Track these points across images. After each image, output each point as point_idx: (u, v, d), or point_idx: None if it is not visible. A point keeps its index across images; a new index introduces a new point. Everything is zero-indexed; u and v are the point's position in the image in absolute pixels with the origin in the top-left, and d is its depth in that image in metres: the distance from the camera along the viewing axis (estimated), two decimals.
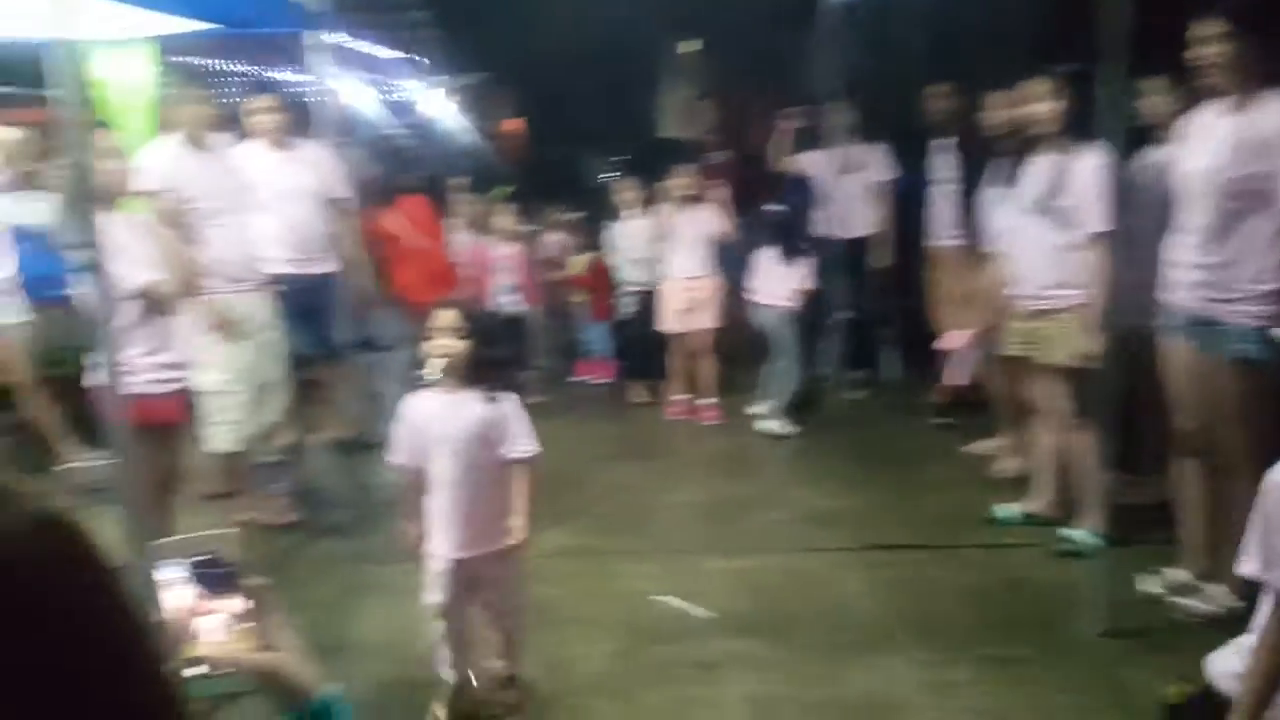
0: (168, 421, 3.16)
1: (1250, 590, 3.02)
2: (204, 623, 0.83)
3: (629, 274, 5.76)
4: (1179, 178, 2.97)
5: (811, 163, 5.57)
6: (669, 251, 5.42)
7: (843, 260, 5.50)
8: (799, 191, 5.45)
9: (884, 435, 5.14)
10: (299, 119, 4.69)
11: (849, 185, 5.51)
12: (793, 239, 5.19)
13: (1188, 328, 2.98)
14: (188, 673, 0.79)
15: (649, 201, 5.70)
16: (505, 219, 5.85)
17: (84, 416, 3.37)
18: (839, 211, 5.52)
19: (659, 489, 4.49)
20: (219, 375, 3.65)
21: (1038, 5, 5.05)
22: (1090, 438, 3.34)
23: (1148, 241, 3.10)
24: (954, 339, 3.96)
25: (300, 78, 5.45)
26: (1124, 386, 3.00)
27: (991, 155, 4.19)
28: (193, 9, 4.23)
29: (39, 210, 4.45)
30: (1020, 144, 3.75)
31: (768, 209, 5.32)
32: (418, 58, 15.53)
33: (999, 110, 4.23)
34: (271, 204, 4.20)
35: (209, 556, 0.85)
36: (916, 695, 2.79)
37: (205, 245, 3.54)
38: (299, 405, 4.82)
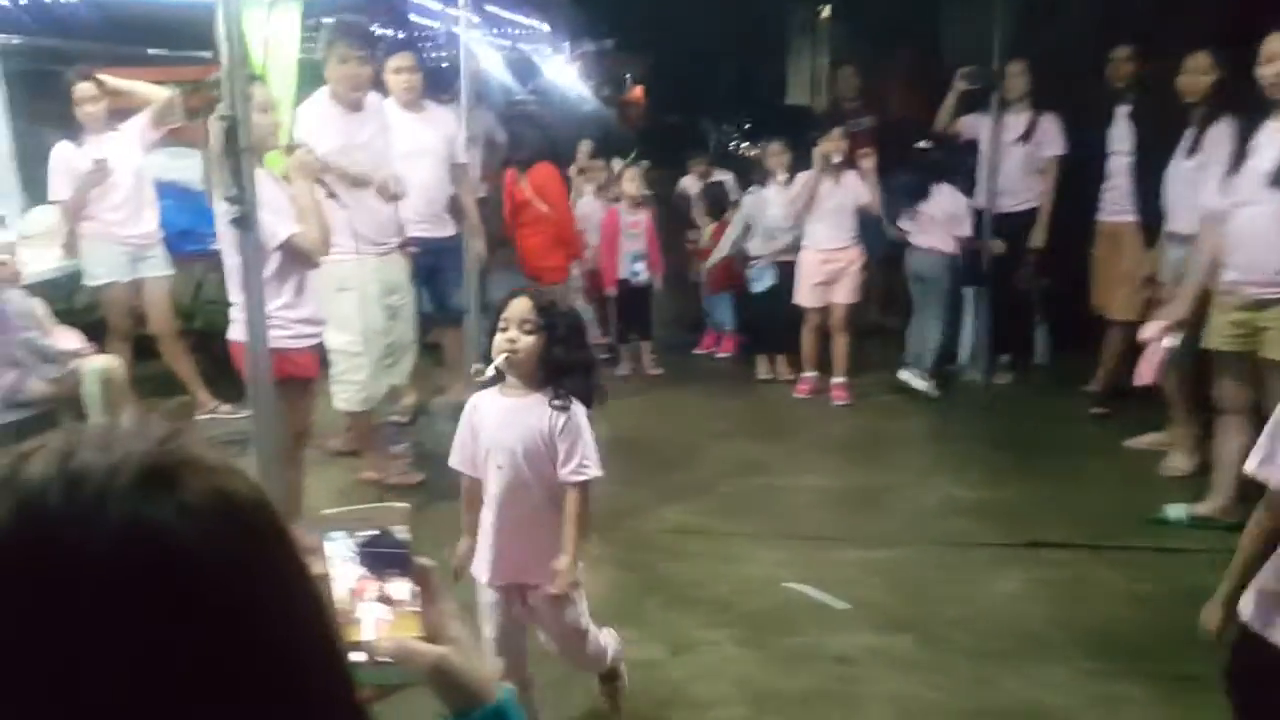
0: (302, 376, 3.22)
1: None
2: (367, 606, 0.76)
3: (765, 243, 5.54)
4: None
5: (974, 127, 5.26)
6: (809, 220, 5.19)
7: (999, 235, 5.17)
8: (960, 154, 5.24)
9: (1035, 423, 4.83)
10: (433, 81, 4.73)
11: (1014, 155, 5.17)
12: (957, 178, 5.01)
13: None
14: (351, 659, 0.73)
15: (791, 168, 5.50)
16: (633, 184, 5.75)
17: (222, 369, 3.49)
18: (1001, 182, 5.19)
19: (786, 470, 4.35)
20: (349, 336, 3.70)
21: None
22: None
23: None
24: (1153, 329, 3.58)
25: (435, 40, 5.51)
26: None
27: (1185, 124, 3.84)
28: None
29: (188, 166, 4.65)
30: (1247, 110, 3.39)
31: (927, 148, 5.11)
32: (544, 24, 15.66)
33: (1202, 74, 3.87)
34: (401, 165, 4.23)
35: (377, 532, 0.75)
36: (1084, 710, 2.59)
37: (346, 205, 3.56)
38: (423, 367, 4.92)
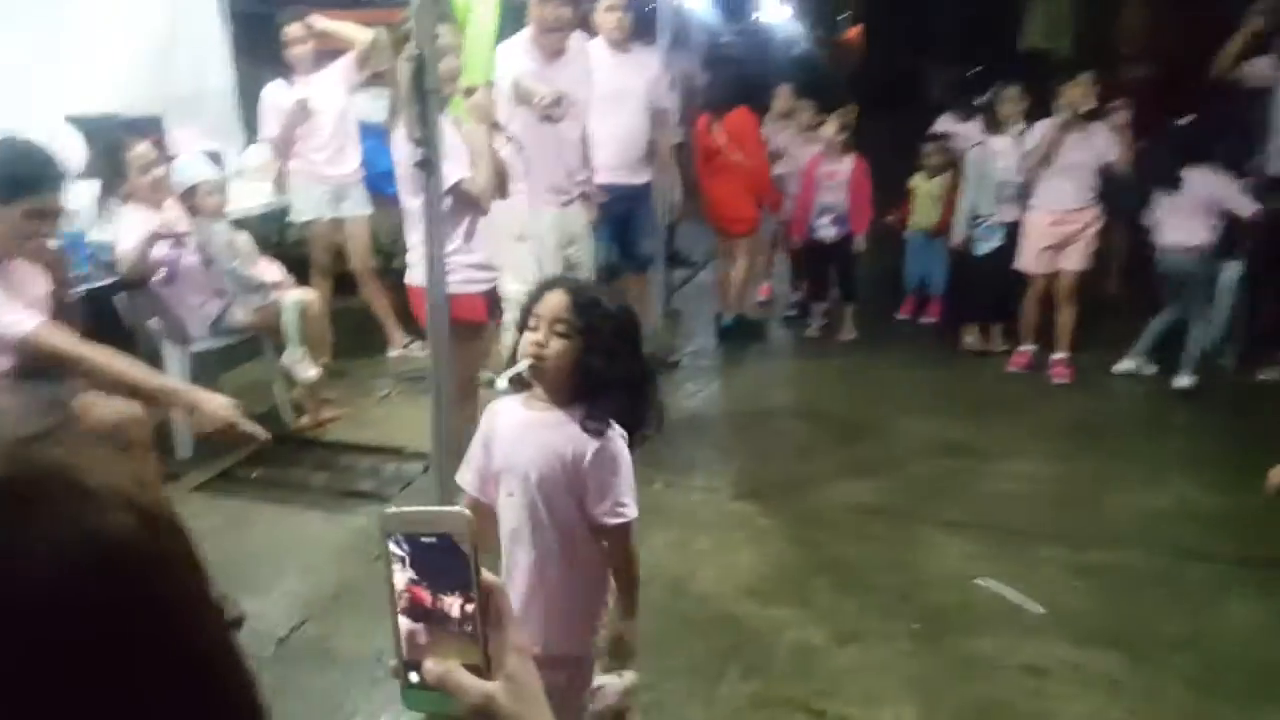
0: (470, 320, 3.27)
1: None
2: (419, 620, 0.68)
3: (989, 201, 5.10)
4: None
5: (1262, 75, 4.60)
6: (1044, 176, 4.70)
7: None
8: (1239, 108, 4.61)
9: None
10: (639, 21, 4.65)
11: None
12: (1229, 157, 4.37)
13: None
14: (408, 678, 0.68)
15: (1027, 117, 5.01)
16: (839, 134, 5.43)
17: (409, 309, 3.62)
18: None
19: (989, 453, 4.01)
20: (523, 285, 3.72)
21: None
22: None
23: None
24: None
25: None
26: None
27: None
28: None
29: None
30: None
31: (1184, 123, 4.52)
32: None
33: None
34: (602, 108, 4.23)
35: (438, 539, 0.66)
36: None
37: (525, 150, 3.57)
38: None
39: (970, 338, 5.25)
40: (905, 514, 3.51)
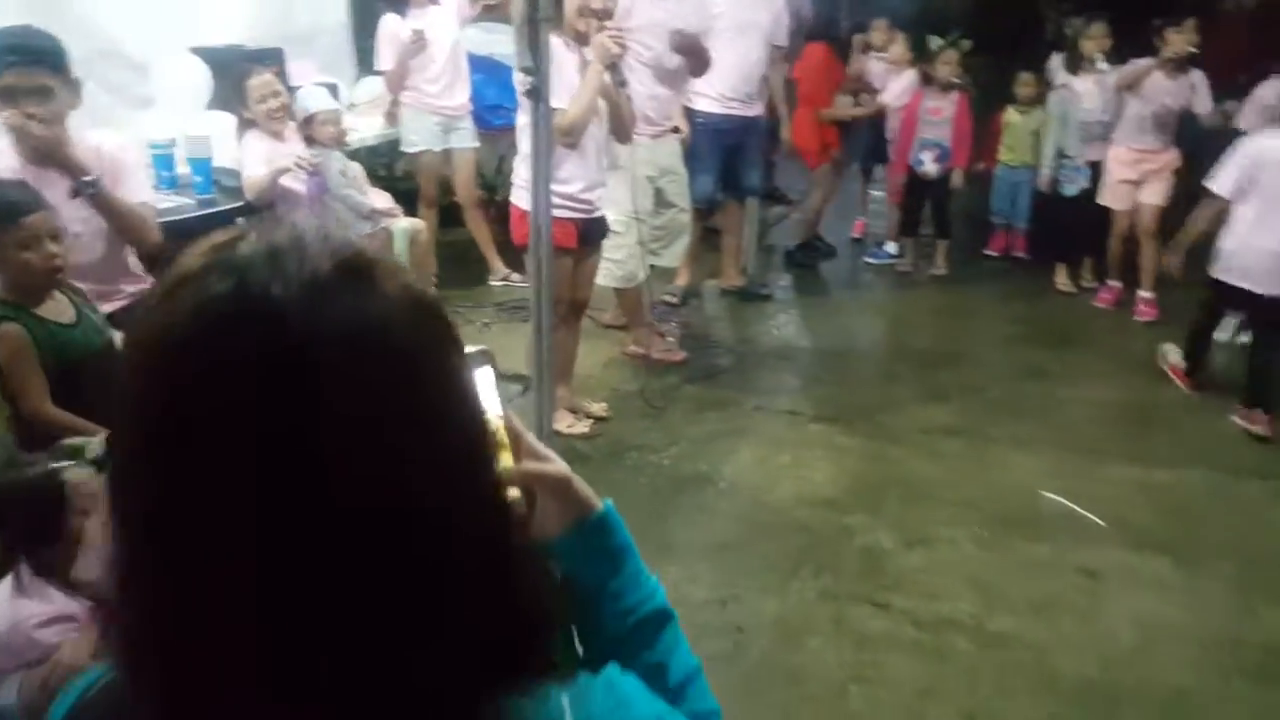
0: (561, 245, 3.48)
1: None
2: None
3: (1074, 143, 5.23)
4: None
5: None
6: (1127, 114, 4.86)
7: None
8: None
9: None
10: None
11: None
12: None
13: None
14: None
15: (1116, 54, 5.10)
16: (946, 67, 5.55)
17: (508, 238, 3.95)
18: None
19: (1067, 380, 4.27)
20: (614, 215, 4.01)
21: None
22: None
23: None
24: None
25: None
26: None
27: None
28: None
29: (500, 41, 5.14)
30: None
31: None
32: None
33: None
34: (726, 38, 4.50)
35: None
36: None
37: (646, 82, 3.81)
38: (701, 250, 5.28)
39: (1061, 277, 5.41)
40: (979, 434, 3.78)
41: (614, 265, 4.10)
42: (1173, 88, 4.72)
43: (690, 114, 4.70)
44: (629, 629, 0.79)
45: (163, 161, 3.85)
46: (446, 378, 0.59)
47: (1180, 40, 4.63)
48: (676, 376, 4.31)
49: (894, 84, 5.86)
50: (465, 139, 5.11)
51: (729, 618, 2.69)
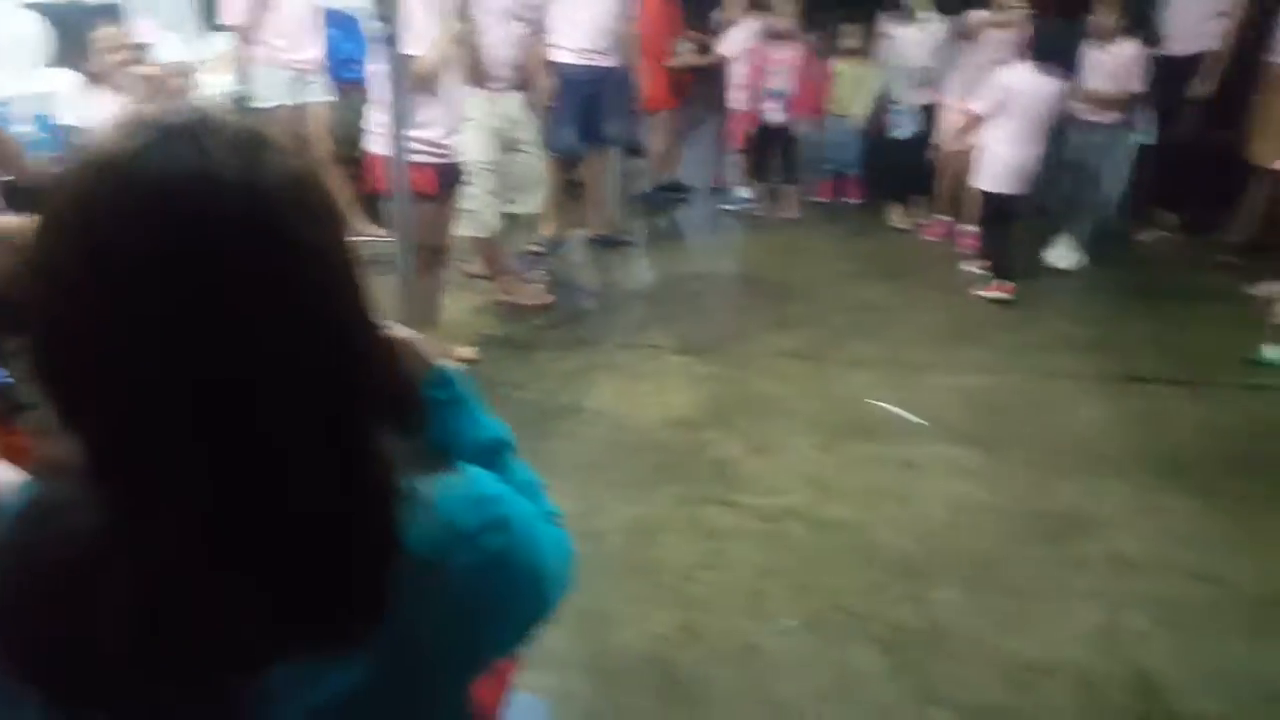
0: (433, 192, 3.61)
1: None
2: None
3: (904, 86, 5.59)
4: None
5: None
6: (958, 67, 5.21)
7: (1169, 75, 4.99)
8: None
9: (1164, 269, 4.93)
10: None
11: None
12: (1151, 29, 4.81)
13: None
14: None
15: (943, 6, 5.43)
16: (786, 19, 5.79)
17: (371, 194, 3.99)
18: (1186, 17, 5.01)
19: (899, 306, 4.62)
20: (473, 163, 4.07)
21: None
22: None
23: None
24: None
25: None
26: None
27: None
28: None
29: None
30: None
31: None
32: None
33: None
34: None
35: None
36: (1120, 514, 2.87)
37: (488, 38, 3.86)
38: (566, 201, 5.42)
39: (895, 215, 5.79)
40: (820, 356, 4.07)
41: (468, 215, 4.17)
42: (1004, 36, 4.97)
43: (550, 66, 4.79)
44: (475, 453, 0.92)
45: None
46: (332, 253, 0.67)
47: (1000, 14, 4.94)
48: (543, 320, 4.46)
49: (733, 34, 6.01)
50: (319, 93, 5.05)
51: (592, 525, 2.86)
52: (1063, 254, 5.04)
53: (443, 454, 0.89)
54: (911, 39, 5.45)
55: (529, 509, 0.82)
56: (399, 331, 0.93)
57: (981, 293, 4.64)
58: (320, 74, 5.04)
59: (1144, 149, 5.07)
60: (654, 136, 6.18)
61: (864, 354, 4.08)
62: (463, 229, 4.19)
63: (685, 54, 5.95)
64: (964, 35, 5.19)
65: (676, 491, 3.08)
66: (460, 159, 3.77)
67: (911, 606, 2.50)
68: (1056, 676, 2.25)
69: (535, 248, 5.21)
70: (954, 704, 2.18)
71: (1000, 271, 4.67)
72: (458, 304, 4.50)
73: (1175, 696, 2.17)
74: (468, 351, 3.99)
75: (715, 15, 6.21)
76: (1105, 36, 4.74)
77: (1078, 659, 2.30)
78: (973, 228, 5.25)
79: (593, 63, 4.93)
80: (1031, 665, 2.28)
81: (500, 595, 0.75)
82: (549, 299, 4.65)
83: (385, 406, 0.75)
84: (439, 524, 0.71)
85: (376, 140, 3.45)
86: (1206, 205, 5.29)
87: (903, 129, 5.59)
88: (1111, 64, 4.76)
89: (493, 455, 0.95)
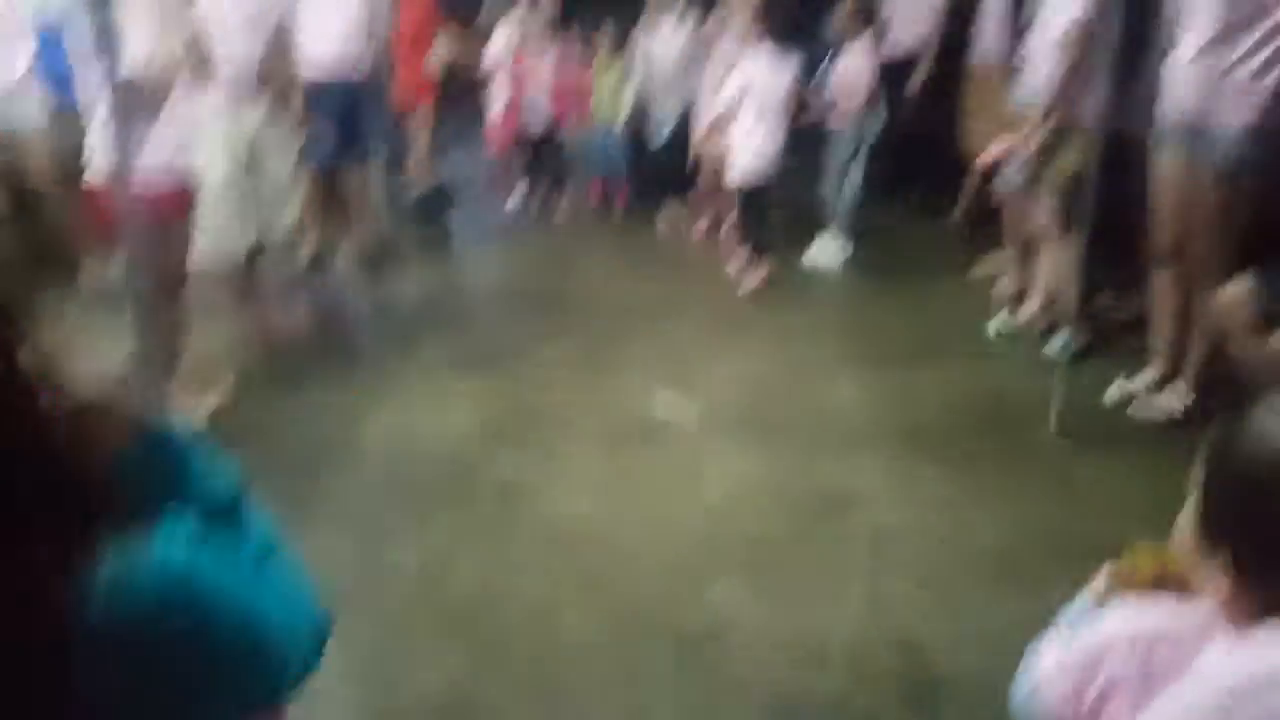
0: (168, 218, 3.38)
1: (1205, 400, 3.28)
2: None
3: (659, 93, 5.72)
4: None
5: None
6: (707, 76, 5.34)
7: (888, 77, 5.36)
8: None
9: (902, 252, 5.33)
10: None
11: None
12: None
13: (1180, 135, 3.07)
14: None
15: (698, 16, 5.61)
16: (543, 30, 5.81)
17: (103, 222, 3.65)
18: (891, 25, 5.43)
19: (671, 305, 4.74)
20: (213, 186, 3.82)
21: None
22: (1068, 251, 3.51)
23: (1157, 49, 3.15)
24: (993, 153, 4.12)
25: None
26: (1118, 199, 3.13)
27: None
28: None
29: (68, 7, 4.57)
30: None
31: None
32: None
33: None
34: (328, 3, 4.54)
35: None
36: (879, 486, 3.08)
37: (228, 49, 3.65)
38: (325, 216, 5.17)
39: (663, 216, 5.93)
40: (595, 361, 4.10)
41: (214, 240, 3.91)
42: (734, 54, 5.09)
43: (302, 77, 4.56)
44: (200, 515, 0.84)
45: None
46: None
47: (740, 17, 4.94)
48: (306, 349, 4.23)
49: (494, 43, 6.04)
50: (32, 116, 4.56)
51: (375, 563, 2.75)
52: (824, 245, 5.32)
53: (143, 522, 0.80)
54: (665, 45, 5.60)
55: (235, 578, 0.77)
56: (92, 394, 0.82)
57: (745, 281, 4.85)
58: (31, 94, 4.54)
59: (877, 142, 5.45)
60: (415, 142, 6.05)
61: (640, 355, 4.15)
62: (209, 258, 3.93)
63: (443, 49, 5.81)
64: (708, 41, 5.38)
65: (460, 517, 3.01)
66: (196, 180, 3.53)
67: (699, 602, 2.55)
68: (831, 652, 2.37)
69: (293, 268, 4.96)
70: (741, 692, 2.25)
71: (758, 258, 4.89)
72: (207, 340, 4.14)
73: (934, 656, 2.34)
74: (221, 392, 3.73)
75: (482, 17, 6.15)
76: (843, 38, 5.04)
77: (849, 632, 2.43)
78: (733, 223, 5.48)
79: (347, 72, 4.76)
80: (808, 644, 2.39)
81: (195, 672, 0.72)
82: (311, 325, 4.41)
83: (55, 495, 0.69)
84: (121, 608, 0.67)
85: (100, 165, 3.14)
86: (934, 191, 5.80)
87: (661, 133, 5.74)
88: (847, 65, 5.07)
89: (222, 517, 0.86)
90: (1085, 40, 3.53)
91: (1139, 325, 3.68)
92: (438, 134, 6.22)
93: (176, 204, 3.42)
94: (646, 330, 4.44)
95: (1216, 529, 0.90)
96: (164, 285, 3.34)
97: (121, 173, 2.81)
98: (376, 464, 3.35)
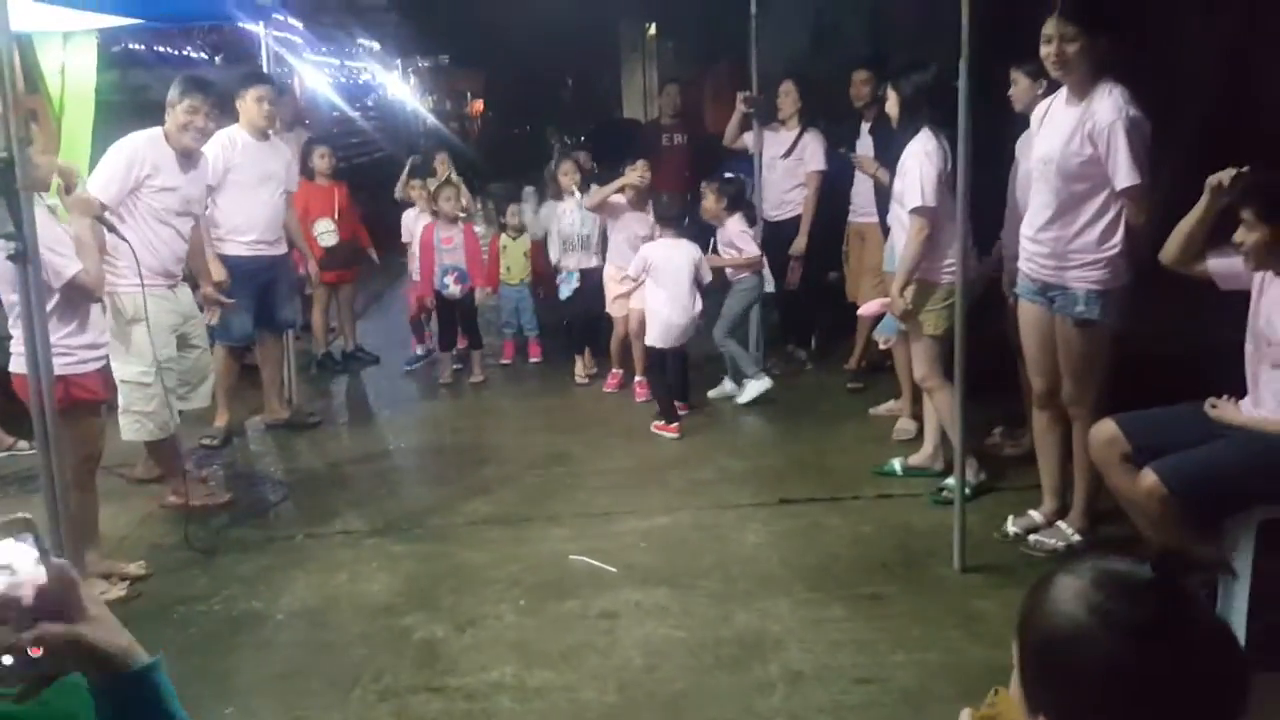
0: (90, 399, 3.41)
1: (1093, 527, 3.44)
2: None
3: (566, 253, 6.00)
4: (1032, 160, 3.30)
5: (754, 142, 5.87)
6: (611, 236, 5.67)
7: (775, 239, 5.74)
8: (741, 169, 5.85)
9: (801, 399, 5.49)
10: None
11: (784, 167, 5.75)
12: (750, 206, 5.55)
13: (1038, 292, 3.32)
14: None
15: (596, 181, 5.94)
16: (448, 203, 6.07)
17: (18, 405, 3.61)
18: (769, 194, 5.81)
19: (587, 458, 4.77)
20: (140, 367, 3.84)
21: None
22: (950, 396, 3.72)
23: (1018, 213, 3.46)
24: (871, 307, 4.42)
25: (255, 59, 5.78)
26: (997, 343, 3.34)
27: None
28: (144, 7, 4.54)
29: None
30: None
31: (729, 177, 5.59)
32: (375, 42, 15.75)
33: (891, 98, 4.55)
34: (248, 189, 4.79)
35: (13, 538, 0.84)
36: (792, 631, 3.09)
37: (127, 240, 3.70)
38: (242, 387, 5.16)
39: (577, 368, 6.05)
40: (517, 517, 4.09)
41: (145, 418, 3.91)
42: (640, 215, 5.55)
43: (223, 259, 4.71)
44: None
45: None
46: None
47: (634, 178, 5.46)
48: (223, 520, 4.14)
49: (406, 217, 6.37)
50: None
51: None
52: (730, 390, 5.50)
53: None
54: (566, 212, 5.90)
55: None
56: (52, 629, 0.84)
57: (655, 431, 4.98)
58: None
59: (772, 296, 5.72)
60: (317, 311, 6.27)
61: (557, 509, 4.15)
62: (138, 434, 3.95)
63: (327, 234, 6.06)
64: (594, 208, 5.68)
65: (382, 687, 2.92)
66: (113, 366, 3.57)
67: None
68: None
69: (208, 441, 4.92)
70: None
71: (666, 414, 5.04)
72: (122, 515, 4.10)
73: None
74: (135, 567, 3.62)
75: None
76: (714, 217, 5.38)
77: None
78: (641, 378, 5.63)
79: (263, 253, 4.95)
80: None
81: None
82: (227, 496, 4.35)
83: None
84: None
85: (19, 359, 3.15)
86: (827, 339, 6.09)
87: (566, 289, 5.97)
88: (728, 235, 5.39)
89: None
90: (928, 224, 3.80)
91: (1031, 460, 3.83)
92: (350, 300, 6.46)
93: (99, 385, 3.46)
94: (565, 483, 4.46)
95: (1030, 694, 0.94)
96: (83, 464, 3.35)
97: (38, 359, 2.83)
98: (294, 635, 3.24)
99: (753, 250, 5.40)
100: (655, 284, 5.14)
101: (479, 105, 19.91)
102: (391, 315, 7.63)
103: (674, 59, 13.16)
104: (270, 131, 4.98)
